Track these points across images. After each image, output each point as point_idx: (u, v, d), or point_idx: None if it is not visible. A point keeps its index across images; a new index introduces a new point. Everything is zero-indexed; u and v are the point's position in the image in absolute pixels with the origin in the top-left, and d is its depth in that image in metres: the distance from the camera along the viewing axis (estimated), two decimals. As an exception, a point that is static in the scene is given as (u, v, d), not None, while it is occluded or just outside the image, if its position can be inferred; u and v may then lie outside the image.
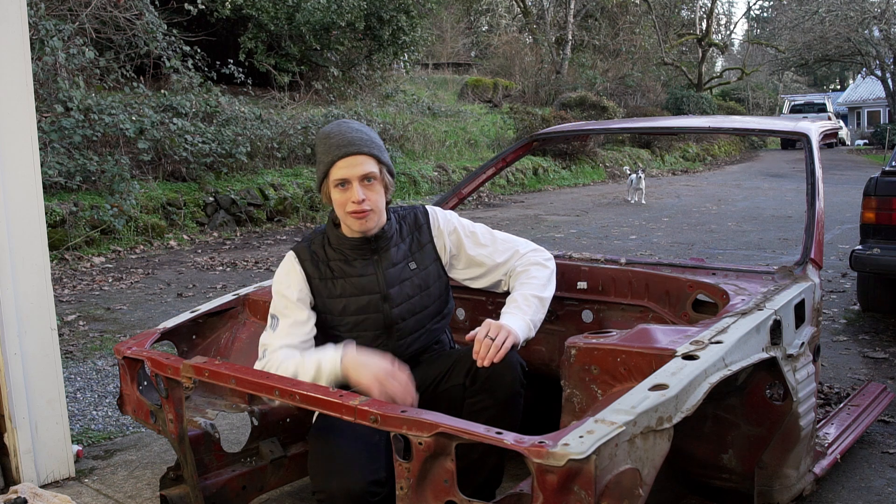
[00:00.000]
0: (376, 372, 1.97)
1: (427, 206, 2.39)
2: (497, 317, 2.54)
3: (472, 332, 2.05)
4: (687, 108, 26.09)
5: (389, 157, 2.24)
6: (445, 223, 2.34)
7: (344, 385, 2.01)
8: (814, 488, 2.43)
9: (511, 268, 2.34)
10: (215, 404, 2.56)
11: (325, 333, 2.28)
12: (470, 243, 2.35)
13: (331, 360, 2.06)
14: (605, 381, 1.88)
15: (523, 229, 9.81)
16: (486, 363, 1.99)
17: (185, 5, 11.30)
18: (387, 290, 2.21)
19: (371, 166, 2.13)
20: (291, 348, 2.19)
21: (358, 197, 2.11)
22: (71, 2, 9.62)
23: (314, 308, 2.25)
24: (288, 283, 2.24)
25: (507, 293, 2.31)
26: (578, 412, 1.89)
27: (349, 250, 2.23)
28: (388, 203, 2.26)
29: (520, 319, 2.14)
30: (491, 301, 2.82)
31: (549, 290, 2.28)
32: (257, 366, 2.19)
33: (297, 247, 2.28)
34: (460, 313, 2.88)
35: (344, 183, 2.12)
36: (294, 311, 2.22)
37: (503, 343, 2.01)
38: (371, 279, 2.21)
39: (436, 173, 13.43)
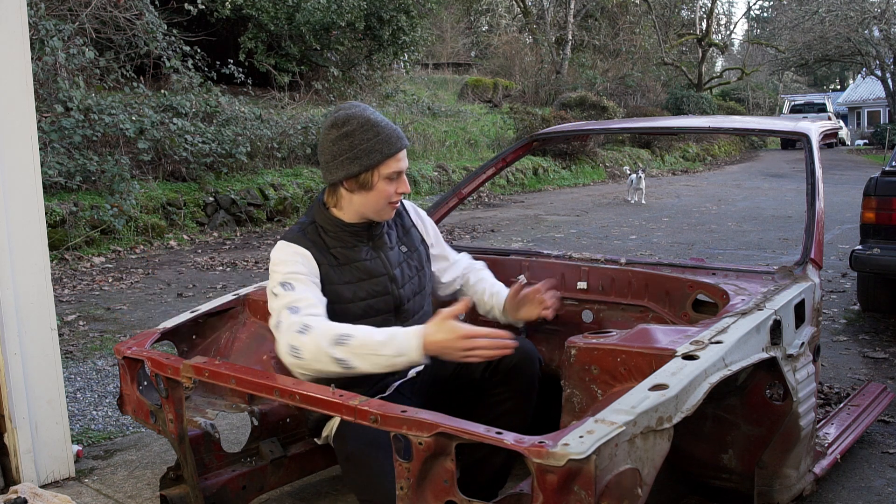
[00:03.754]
0: (460, 332, 1.87)
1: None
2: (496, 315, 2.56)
3: (523, 289, 2.24)
4: (687, 108, 26.08)
5: None
6: (417, 213, 2.44)
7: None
8: (814, 488, 2.42)
9: (470, 265, 2.50)
10: (215, 404, 2.56)
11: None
12: (437, 235, 2.46)
13: (406, 333, 1.92)
14: (605, 381, 1.88)
15: (523, 229, 9.81)
16: (551, 314, 2.24)
17: (185, 5, 11.29)
18: (393, 272, 2.23)
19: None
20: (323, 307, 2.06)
21: (407, 188, 2.17)
22: (71, 2, 9.62)
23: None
24: (298, 258, 2.11)
25: (454, 294, 2.48)
26: (578, 412, 1.89)
27: (349, 236, 2.19)
28: None
29: None
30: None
31: None
32: (292, 329, 1.95)
33: (294, 237, 2.15)
34: (460, 313, 2.87)
35: (396, 175, 2.13)
36: (307, 280, 2.08)
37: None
38: (377, 262, 2.21)
39: (436, 173, 13.43)
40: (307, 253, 2.12)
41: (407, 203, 2.43)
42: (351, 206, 2.17)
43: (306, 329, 1.94)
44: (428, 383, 2.26)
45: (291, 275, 2.07)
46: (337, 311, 2.20)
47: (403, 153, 2.15)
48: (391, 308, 2.22)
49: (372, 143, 2.10)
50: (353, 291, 2.18)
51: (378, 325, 2.17)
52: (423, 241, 2.38)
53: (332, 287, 2.18)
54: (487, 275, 2.48)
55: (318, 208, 2.22)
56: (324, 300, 2.08)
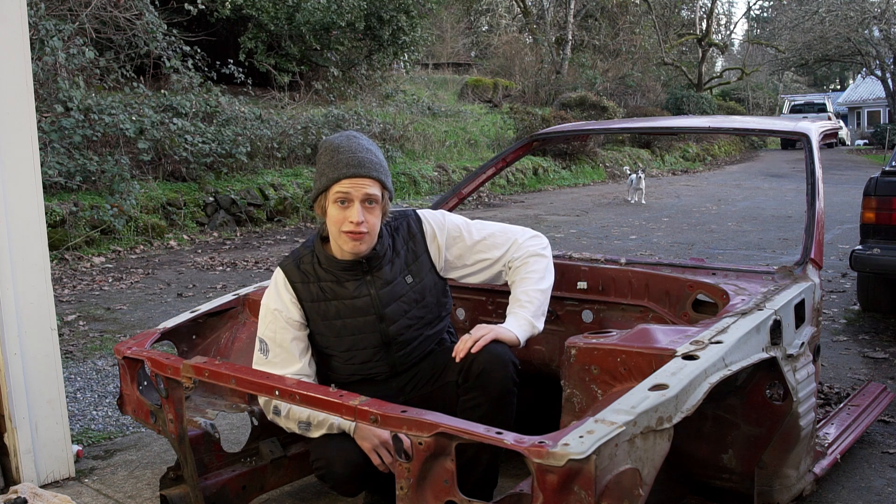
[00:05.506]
0: (376, 441, 2.04)
1: (418, 212, 2.35)
2: (497, 316, 2.54)
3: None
4: (687, 108, 26.08)
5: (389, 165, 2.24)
6: (439, 228, 2.31)
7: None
8: (814, 488, 2.43)
9: (510, 258, 2.31)
10: (215, 404, 2.56)
11: (319, 354, 2.26)
12: (465, 243, 2.32)
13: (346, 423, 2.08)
14: (605, 381, 1.88)
15: (523, 229, 9.80)
16: (460, 355, 2.06)
17: (185, 5, 11.30)
18: (382, 311, 2.20)
19: (375, 190, 2.10)
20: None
21: (357, 218, 2.07)
22: (71, 2, 9.62)
23: (308, 330, 2.23)
24: (280, 306, 2.20)
25: (505, 283, 2.35)
26: (578, 412, 1.89)
27: (340, 271, 2.19)
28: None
29: (519, 318, 2.17)
30: (491, 301, 2.82)
31: (549, 280, 2.29)
32: (267, 409, 2.21)
33: (287, 266, 2.23)
34: (460, 313, 2.88)
35: (345, 200, 2.09)
36: (286, 338, 2.19)
37: (481, 338, 2.06)
38: (365, 300, 2.19)
39: (436, 173, 13.43)
40: (290, 292, 2.21)
41: (430, 216, 2.32)
42: (332, 237, 2.18)
43: (278, 412, 2.16)
44: (408, 381, 2.27)
45: (269, 331, 2.21)
46: (321, 343, 2.23)
47: (356, 181, 2.07)
48: (378, 344, 2.21)
49: (326, 166, 2.11)
50: (338, 329, 2.19)
51: (367, 357, 2.22)
52: (431, 266, 2.29)
53: (317, 323, 2.21)
54: (519, 279, 2.28)
55: (317, 239, 2.24)
56: (300, 360, 2.21)
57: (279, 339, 2.20)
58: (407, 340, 2.24)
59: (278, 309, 2.20)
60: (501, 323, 2.18)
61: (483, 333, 2.08)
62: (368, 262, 2.19)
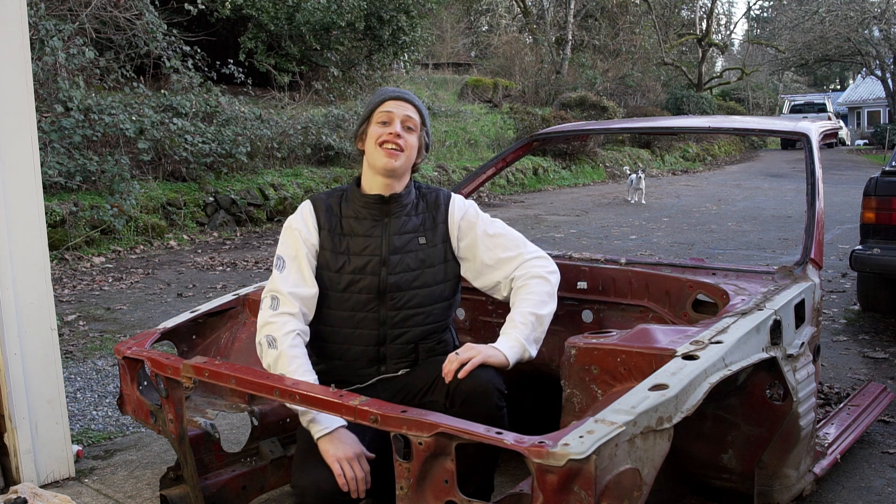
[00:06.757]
0: (340, 454, 1.97)
1: (452, 193, 2.41)
2: (497, 317, 2.53)
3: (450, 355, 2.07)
4: (687, 108, 26.08)
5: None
6: (461, 210, 2.34)
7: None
8: (814, 488, 2.43)
9: (511, 275, 2.27)
10: (215, 404, 2.56)
11: (320, 290, 2.27)
12: (475, 233, 2.31)
13: (316, 422, 2.03)
14: (605, 381, 1.88)
15: (523, 229, 9.80)
16: (448, 378, 2.00)
17: (185, 5, 11.30)
18: (387, 255, 2.23)
19: (415, 115, 2.26)
20: (297, 319, 2.20)
21: (396, 129, 2.21)
22: (71, 2, 9.62)
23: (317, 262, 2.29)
24: (301, 226, 2.29)
25: (504, 299, 2.32)
26: (578, 412, 1.89)
27: (362, 207, 2.28)
28: (415, 170, 2.35)
29: (511, 339, 2.11)
30: (491, 301, 2.82)
31: (550, 307, 2.22)
32: (263, 315, 2.22)
33: (316, 197, 2.36)
34: (460, 313, 2.88)
35: (386, 122, 2.22)
36: (302, 254, 2.26)
37: (468, 360, 1.99)
38: (375, 241, 2.25)
39: (436, 173, 13.43)
40: (313, 217, 2.29)
41: (458, 200, 2.35)
42: (365, 169, 2.30)
43: (273, 343, 2.17)
44: (399, 389, 2.24)
45: (289, 248, 2.28)
46: (325, 278, 2.27)
47: (399, 103, 2.24)
48: (374, 290, 2.22)
49: (369, 104, 2.30)
50: (343, 262, 2.25)
51: (361, 306, 2.23)
52: (446, 239, 2.31)
53: (326, 253, 2.27)
54: (519, 299, 2.23)
55: (352, 181, 2.37)
56: (311, 285, 2.24)
57: (298, 257, 2.26)
58: (405, 301, 2.22)
59: (298, 228, 2.29)
60: (501, 324, 2.17)
61: (471, 356, 2.01)
62: (389, 203, 2.27)
